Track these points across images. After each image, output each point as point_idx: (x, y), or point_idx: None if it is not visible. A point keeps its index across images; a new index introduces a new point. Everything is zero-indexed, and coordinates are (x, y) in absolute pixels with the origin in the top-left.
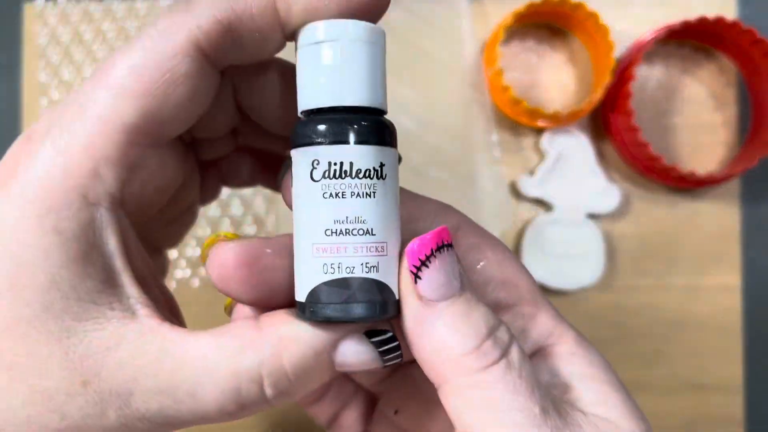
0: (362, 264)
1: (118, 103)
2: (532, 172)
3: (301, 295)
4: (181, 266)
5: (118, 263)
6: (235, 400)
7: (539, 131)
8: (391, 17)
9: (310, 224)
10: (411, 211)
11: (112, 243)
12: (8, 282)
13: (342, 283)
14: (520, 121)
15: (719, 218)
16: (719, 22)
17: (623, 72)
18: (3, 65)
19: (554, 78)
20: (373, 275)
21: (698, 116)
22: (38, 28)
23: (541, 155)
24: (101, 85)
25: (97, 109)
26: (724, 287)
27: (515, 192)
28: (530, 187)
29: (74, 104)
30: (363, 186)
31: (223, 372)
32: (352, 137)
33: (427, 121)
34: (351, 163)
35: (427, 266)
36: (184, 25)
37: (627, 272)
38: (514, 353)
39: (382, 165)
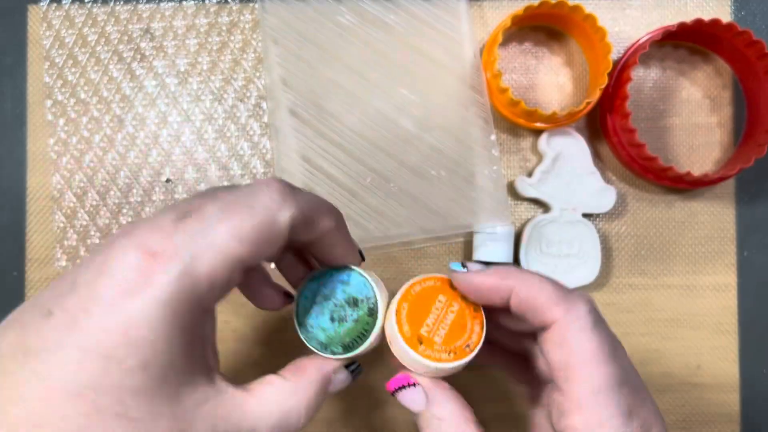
0: None
1: (237, 248)
2: (530, 173)
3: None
4: None
5: (209, 347)
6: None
7: (537, 132)
8: (391, 19)
9: None
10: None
11: (208, 333)
12: (142, 361)
13: None
14: (519, 122)
15: (715, 218)
16: (715, 24)
17: (620, 74)
18: (8, 66)
19: (552, 79)
20: None
21: (694, 117)
22: (42, 30)
23: (539, 156)
24: (230, 233)
25: (221, 246)
26: (719, 286)
27: (514, 192)
28: (528, 187)
29: (202, 238)
30: None
31: (275, 416)
32: None
33: (427, 122)
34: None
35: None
36: (284, 214)
37: (623, 271)
38: None
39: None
